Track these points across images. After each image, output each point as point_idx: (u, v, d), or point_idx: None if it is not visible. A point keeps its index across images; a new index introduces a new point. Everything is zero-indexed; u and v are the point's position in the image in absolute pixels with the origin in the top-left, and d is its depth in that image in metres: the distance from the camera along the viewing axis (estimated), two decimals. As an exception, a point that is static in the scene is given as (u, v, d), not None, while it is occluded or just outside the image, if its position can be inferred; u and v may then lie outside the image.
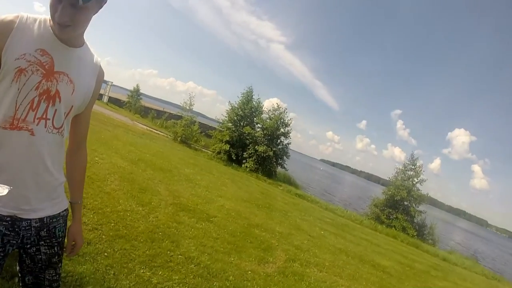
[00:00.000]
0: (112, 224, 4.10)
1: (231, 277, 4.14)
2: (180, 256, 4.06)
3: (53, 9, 1.21)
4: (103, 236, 3.70)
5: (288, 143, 22.51)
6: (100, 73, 1.55)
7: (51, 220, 1.43)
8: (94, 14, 1.34)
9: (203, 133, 24.46)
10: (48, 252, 1.45)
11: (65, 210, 1.53)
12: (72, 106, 1.40)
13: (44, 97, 1.29)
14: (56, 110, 1.33)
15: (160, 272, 3.50)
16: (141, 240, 4.04)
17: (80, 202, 1.65)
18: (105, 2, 1.33)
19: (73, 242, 1.60)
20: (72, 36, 1.33)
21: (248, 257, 5.05)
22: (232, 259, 4.72)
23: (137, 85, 34.11)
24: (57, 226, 1.46)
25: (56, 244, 1.47)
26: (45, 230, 1.41)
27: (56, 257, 1.49)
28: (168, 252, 4.04)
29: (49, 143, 1.34)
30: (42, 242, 1.42)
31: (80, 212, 1.65)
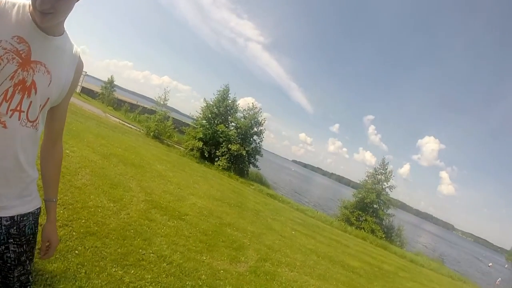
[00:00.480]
0: (83, 221, 3.99)
1: (203, 276, 4.12)
2: (152, 255, 4.00)
3: None
4: (74, 233, 3.60)
5: (261, 141, 22.59)
6: (79, 64, 1.49)
7: (21, 218, 1.37)
8: (76, 1, 1.29)
9: (177, 129, 24.16)
10: (17, 251, 1.38)
11: (37, 208, 1.46)
12: (48, 99, 1.35)
13: (19, 87, 1.23)
14: (31, 102, 1.27)
15: (132, 271, 3.44)
16: (113, 237, 3.96)
17: (55, 200, 1.58)
18: None
19: (48, 243, 1.54)
20: (52, 24, 1.27)
21: (220, 256, 5.05)
22: (205, 258, 4.70)
23: (111, 77, 33.32)
24: (27, 224, 1.40)
25: (25, 242, 1.41)
26: (15, 228, 1.35)
27: (25, 255, 1.42)
28: (140, 250, 3.97)
29: (22, 137, 1.27)
30: (12, 240, 1.35)
31: (55, 210, 1.58)
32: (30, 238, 1.44)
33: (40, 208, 1.49)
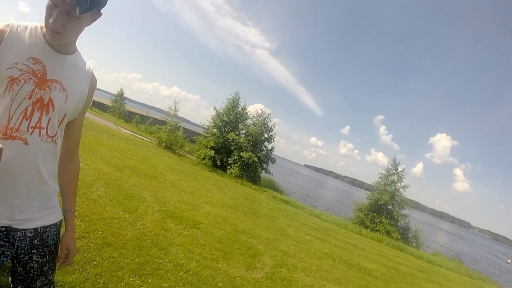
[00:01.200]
0: (100, 232, 4.05)
1: (220, 283, 4.14)
2: (169, 264, 4.04)
3: (48, 13, 1.21)
4: (91, 244, 3.66)
5: (272, 148, 22.63)
6: (93, 80, 1.54)
7: (45, 230, 1.42)
8: (87, 25, 1.34)
9: (188, 139, 24.37)
10: (40, 261, 1.43)
11: (59, 220, 1.51)
12: (66, 114, 1.40)
13: (37, 105, 1.28)
14: (50, 118, 1.32)
15: (150, 280, 3.47)
16: (129, 248, 4.00)
17: (73, 211, 1.62)
18: (100, 16, 1.34)
19: (67, 251, 1.58)
20: (62, 44, 1.32)
21: (236, 263, 5.06)
22: (221, 265, 4.72)
23: (121, 89, 33.96)
24: (49, 235, 1.45)
25: (47, 252, 1.45)
26: (38, 239, 1.39)
27: (47, 265, 1.47)
28: (157, 259, 4.01)
29: (43, 152, 1.33)
30: (35, 251, 1.39)
31: (73, 220, 1.62)
32: (53, 249, 1.49)
33: (61, 219, 1.54)
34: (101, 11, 1.33)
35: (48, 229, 1.44)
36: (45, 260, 1.45)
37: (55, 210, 1.48)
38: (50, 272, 1.50)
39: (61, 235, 1.56)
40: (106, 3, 1.32)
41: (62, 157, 1.57)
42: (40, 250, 1.42)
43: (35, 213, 1.36)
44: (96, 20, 1.35)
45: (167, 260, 4.11)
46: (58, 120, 1.37)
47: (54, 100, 1.32)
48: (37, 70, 1.28)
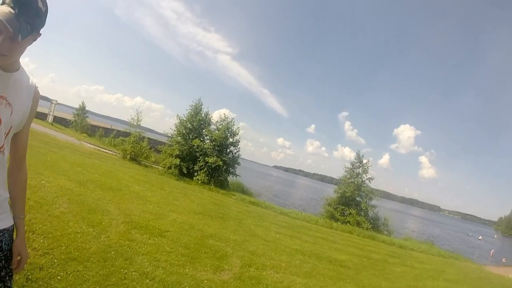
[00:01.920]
0: (63, 248, 4.08)
1: (187, 287, 4.24)
2: (134, 273, 4.11)
3: None
4: (55, 260, 3.69)
5: (238, 151, 22.77)
6: (36, 93, 1.66)
7: None
8: (28, 45, 1.47)
9: (153, 149, 24.08)
10: None
11: (11, 225, 1.61)
12: (11, 127, 1.52)
13: None
14: None
15: (115, 290, 3.54)
16: (94, 260, 4.05)
17: (23, 217, 1.71)
18: (40, 36, 1.47)
19: (19, 257, 1.67)
20: (7, 63, 1.44)
21: (203, 267, 5.16)
22: (187, 270, 4.81)
23: (82, 103, 33.22)
24: (3, 240, 1.54)
25: (3, 258, 1.54)
26: None
27: (4, 270, 1.55)
28: (122, 269, 4.08)
29: None
30: None
31: (24, 226, 1.72)
32: (8, 254, 1.59)
33: (13, 225, 1.63)
34: (40, 32, 1.47)
35: (1, 234, 1.53)
36: (1, 265, 1.54)
37: (6, 216, 1.58)
38: (7, 278, 1.59)
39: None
40: (44, 25, 1.46)
41: (11, 169, 1.68)
42: None
43: None
44: (36, 40, 1.48)
45: (133, 270, 4.18)
46: (5, 132, 1.49)
47: (1, 115, 1.44)
48: None
